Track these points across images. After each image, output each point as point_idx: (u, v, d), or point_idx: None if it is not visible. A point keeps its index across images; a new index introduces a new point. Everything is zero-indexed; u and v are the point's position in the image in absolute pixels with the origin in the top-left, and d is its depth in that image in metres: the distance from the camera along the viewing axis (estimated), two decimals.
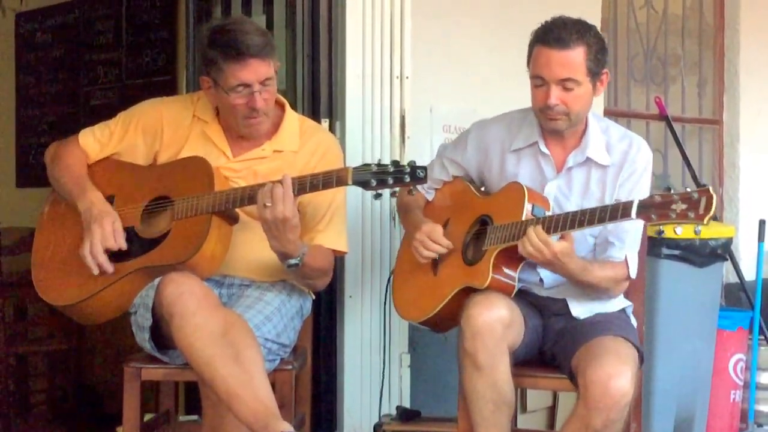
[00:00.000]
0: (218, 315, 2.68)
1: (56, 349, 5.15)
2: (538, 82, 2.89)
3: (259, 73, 2.83)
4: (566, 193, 2.97)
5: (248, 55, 2.81)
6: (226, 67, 2.83)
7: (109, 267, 2.84)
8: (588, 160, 2.95)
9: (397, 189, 2.72)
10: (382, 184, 2.68)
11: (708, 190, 2.52)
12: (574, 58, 2.84)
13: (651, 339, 3.84)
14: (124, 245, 2.86)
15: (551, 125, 2.93)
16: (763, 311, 4.51)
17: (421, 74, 3.83)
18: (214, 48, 2.84)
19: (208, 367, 2.62)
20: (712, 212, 2.50)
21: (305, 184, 2.75)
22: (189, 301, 2.64)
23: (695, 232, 2.63)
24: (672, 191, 2.57)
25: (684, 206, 2.53)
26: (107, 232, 2.84)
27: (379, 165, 2.69)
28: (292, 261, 2.81)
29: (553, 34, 2.85)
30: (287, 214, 2.70)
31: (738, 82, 5.43)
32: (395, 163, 2.69)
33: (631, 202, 2.62)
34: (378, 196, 2.73)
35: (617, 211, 2.65)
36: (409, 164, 2.68)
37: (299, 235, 2.91)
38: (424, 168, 2.67)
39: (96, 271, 2.84)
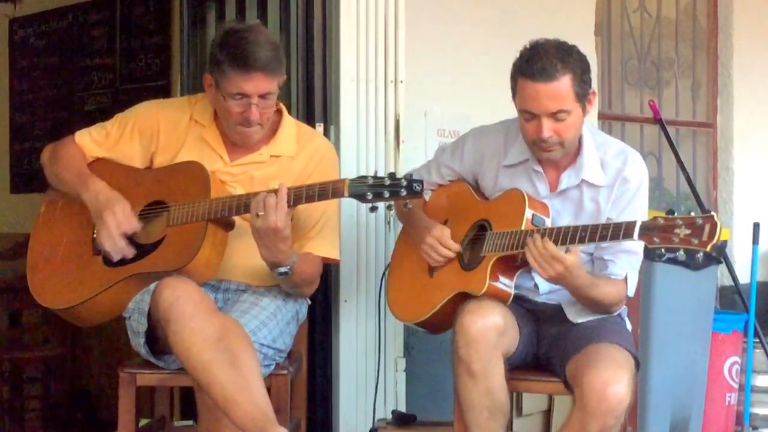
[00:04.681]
0: (214, 320, 2.67)
1: (51, 355, 5.13)
2: (528, 116, 2.82)
3: (260, 87, 2.82)
4: (559, 211, 2.94)
5: (254, 68, 2.79)
6: (230, 74, 2.82)
7: (130, 252, 2.84)
8: (582, 181, 2.92)
9: (392, 203, 2.69)
10: (378, 197, 2.66)
11: (712, 218, 2.48)
12: (562, 88, 2.77)
13: (646, 342, 3.84)
14: (138, 226, 2.86)
15: (546, 156, 2.88)
16: (758, 314, 4.52)
17: (416, 78, 3.83)
18: (223, 51, 2.83)
19: (205, 372, 2.61)
20: (715, 240, 2.47)
21: (301, 195, 2.74)
22: (185, 305, 2.64)
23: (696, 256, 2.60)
24: (675, 215, 2.54)
25: (687, 231, 2.49)
26: (120, 217, 2.84)
27: (375, 177, 2.68)
28: (282, 269, 2.81)
29: (537, 65, 2.76)
30: (279, 224, 2.70)
31: (731, 85, 5.44)
32: (392, 176, 2.67)
33: (633, 223, 2.59)
34: (374, 209, 2.71)
35: (619, 231, 2.61)
36: (405, 177, 2.67)
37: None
38: (421, 182, 2.66)
39: (117, 258, 2.83)
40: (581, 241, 2.68)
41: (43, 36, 5.77)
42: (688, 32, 5.46)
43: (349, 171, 3.39)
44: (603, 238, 2.66)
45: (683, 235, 2.50)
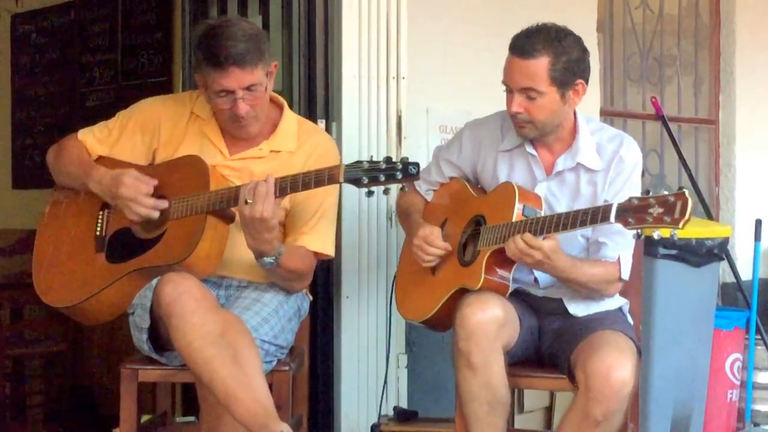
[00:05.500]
0: (216, 316, 2.67)
1: (52, 351, 5.14)
2: (506, 89, 2.90)
3: (241, 81, 2.81)
4: (556, 195, 2.96)
5: (228, 64, 2.78)
6: (208, 73, 2.83)
7: (162, 203, 2.85)
8: (578, 165, 2.95)
9: (389, 186, 2.69)
10: (374, 181, 2.66)
11: (683, 194, 2.48)
12: (536, 68, 2.82)
13: (648, 338, 3.84)
14: (155, 182, 2.86)
15: (519, 132, 2.94)
16: (760, 311, 4.52)
17: (418, 75, 3.83)
18: (200, 50, 2.85)
19: (207, 367, 2.61)
20: (687, 217, 2.46)
21: (297, 182, 2.73)
22: (187, 301, 2.64)
23: (671, 236, 2.58)
24: (650, 194, 2.55)
25: (660, 210, 2.50)
26: (133, 183, 2.84)
27: (370, 162, 2.67)
28: (267, 260, 2.81)
29: (519, 41, 2.85)
30: (265, 213, 2.70)
31: (734, 81, 5.43)
32: (387, 160, 2.67)
33: (610, 206, 2.60)
34: (370, 193, 2.70)
35: (597, 215, 2.64)
36: (401, 161, 2.66)
37: (284, 235, 2.93)
38: (417, 164, 2.65)
39: (156, 215, 2.84)
40: (564, 228, 2.70)
41: (44, 32, 5.77)
42: (690, 29, 5.45)
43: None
44: (583, 224, 2.67)
45: (656, 214, 2.51)
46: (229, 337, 2.63)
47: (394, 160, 2.67)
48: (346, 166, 2.69)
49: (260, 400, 2.60)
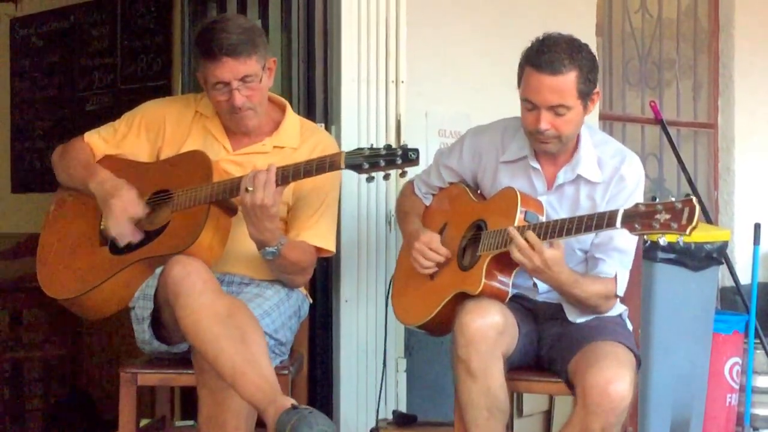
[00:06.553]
0: (223, 300, 2.69)
1: (51, 355, 5.13)
2: (529, 105, 2.84)
3: (236, 72, 2.87)
4: (556, 208, 2.95)
5: (221, 54, 2.85)
6: (204, 65, 2.90)
7: (137, 236, 2.88)
8: (578, 177, 2.93)
9: (389, 172, 2.74)
10: (375, 166, 2.71)
11: (691, 201, 2.48)
12: (566, 83, 2.78)
13: (647, 343, 3.85)
14: (144, 212, 2.90)
15: (542, 147, 2.90)
16: (759, 315, 4.53)
17: (417, 79, 3.83)
18: (197, 45, 2.93)
19: (214, 344, 2.61)
20: (694, 223, 2.46)
21: (299, 170, 2.78)
22: (196, 281, 2.66)
23: (678, 242, 2.57)
24: (657, 200, 2.55)
25: (667, 216, 2.49)
26: (126, 201, 2.89)
27: (371, 149, 2.73)
28: (269, 249, 2.84)
29: (545, 57, 2.78)
30: (266, 201, 2.74)
31: (733, 85, 5.44)
32: (387, 147, 2.73)
33: (616, 211, 2.59)
34: (370, 179, 2.75)
35: (603, 220, 2.63)
36: (401, 147, 2.72)
37: (285, 229, 2.95)
38: (416, 150, 2.70)
39: (124, 242, 2.87)
40: (568, 233, 2.69)
41: (44, 36, 5.77)
42: (689, 33, 5.46)
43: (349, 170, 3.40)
44: (588, 229, 2.66)
45: (663, 220, 2.50)
46: (236, 320, 2.64)
47: (393, 146, 2.73)
48: (347, 153, 2.74)
49: (267, 377, 2.60)
